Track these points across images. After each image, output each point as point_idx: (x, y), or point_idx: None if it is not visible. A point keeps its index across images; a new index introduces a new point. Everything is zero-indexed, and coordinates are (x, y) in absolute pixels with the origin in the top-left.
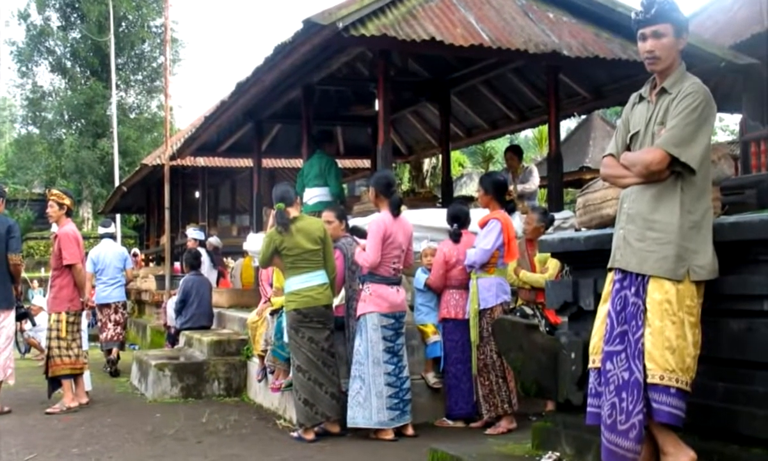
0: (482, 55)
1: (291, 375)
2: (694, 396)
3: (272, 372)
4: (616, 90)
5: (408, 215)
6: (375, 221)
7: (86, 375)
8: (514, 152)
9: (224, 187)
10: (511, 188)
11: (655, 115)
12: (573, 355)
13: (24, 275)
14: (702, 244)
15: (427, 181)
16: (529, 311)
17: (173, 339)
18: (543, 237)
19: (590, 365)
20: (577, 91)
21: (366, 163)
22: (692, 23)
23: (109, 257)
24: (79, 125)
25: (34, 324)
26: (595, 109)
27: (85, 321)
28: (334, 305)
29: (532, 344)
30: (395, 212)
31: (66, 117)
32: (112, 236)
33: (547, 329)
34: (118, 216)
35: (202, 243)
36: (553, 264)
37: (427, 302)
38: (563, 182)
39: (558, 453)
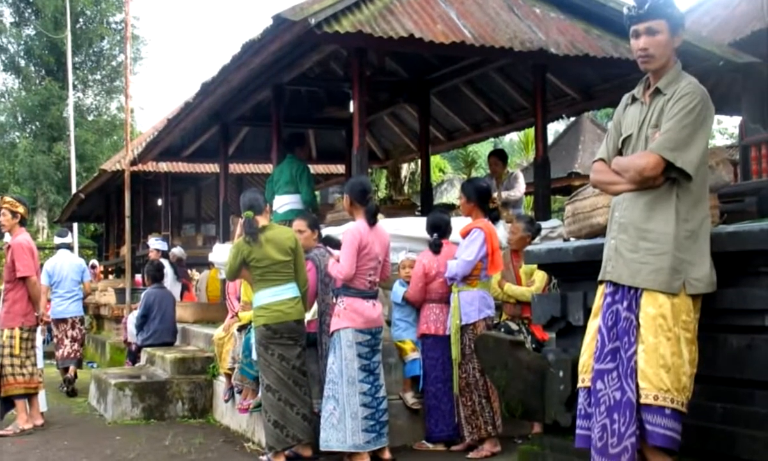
0: (464, 54)
1: (260, 394)
2: (691, 417)
3: (240, 392)
4: (607, 91)
5: (385, 224)
6: (350, 230)
7: (41, 395)
8: (499, 157)
9: (189, 194)
10: (495, 195)
11: (648, 117)
12: (561, 374)
13: None
14: (699, 255)
15: (406, 188)
16: (514, 326)
17: (134, 357)
18: (529, 248)
19: (579, 384)
20: (566, 91)
21: (340, 168)
22: (688, 19)
23: (66, 269)
24: (33, 127)
25: None
26: (585, 110)
27: (40, 338)
28: (306, 321)
29: (517, 362)
30: (371, 221)
31: (19, 119)
32: (69, 247)
33: (534, 346)
34: (75, 225)
35: (165, 254)
36: (540, 277)
37: (406, 317)
38: (551, 188)
39: None
